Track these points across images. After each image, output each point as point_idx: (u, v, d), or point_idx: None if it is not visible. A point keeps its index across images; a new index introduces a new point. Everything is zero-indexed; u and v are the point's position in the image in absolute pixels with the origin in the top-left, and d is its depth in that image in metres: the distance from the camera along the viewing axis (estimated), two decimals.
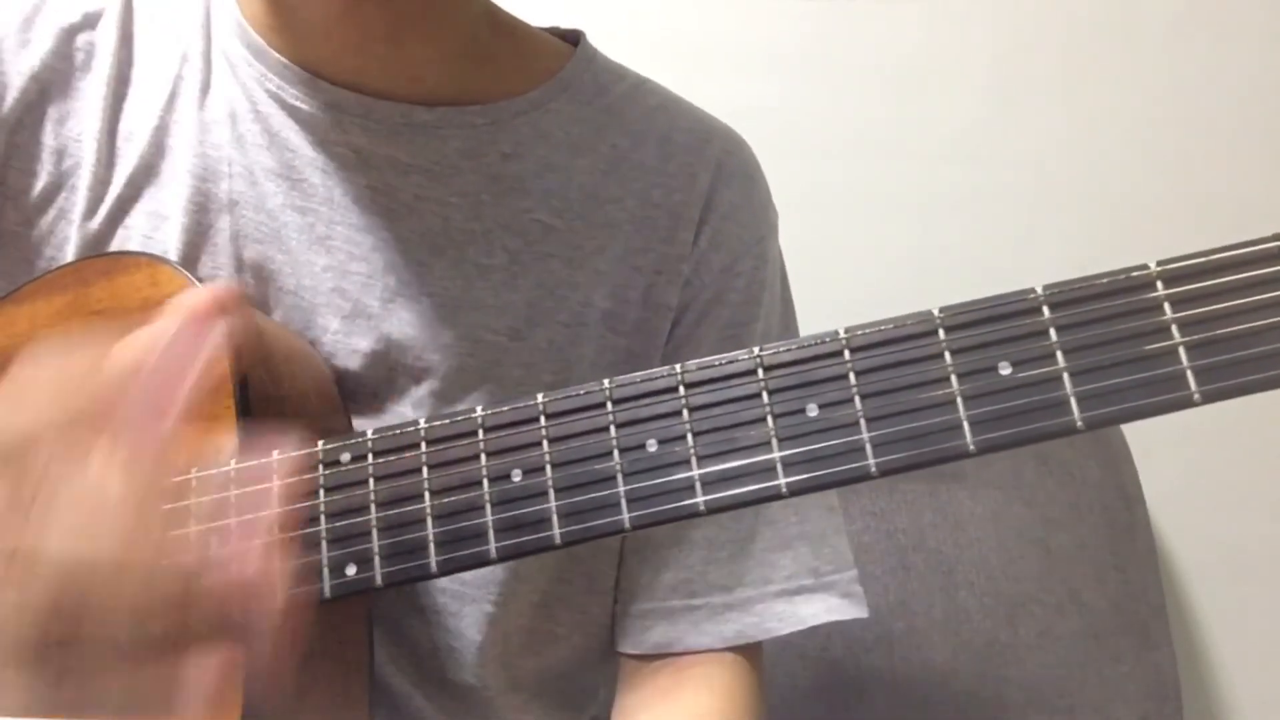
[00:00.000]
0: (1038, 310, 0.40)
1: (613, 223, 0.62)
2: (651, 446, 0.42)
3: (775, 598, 0.61)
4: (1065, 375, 0.39)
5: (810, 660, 1.00)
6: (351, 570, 0.45)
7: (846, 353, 0.41)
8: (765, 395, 0.41)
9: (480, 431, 0.44)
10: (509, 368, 0.59)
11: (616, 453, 0.42)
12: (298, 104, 0.58)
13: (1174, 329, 0.38)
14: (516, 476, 0.44)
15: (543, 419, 0.44)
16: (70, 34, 0.59)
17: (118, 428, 0.36)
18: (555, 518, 0.43)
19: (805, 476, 0.41)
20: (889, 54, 1.15)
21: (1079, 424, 0.39)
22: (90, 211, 0.58)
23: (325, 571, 0.45)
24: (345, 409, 0.58)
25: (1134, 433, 1.07)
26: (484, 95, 0.61)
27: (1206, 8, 1.14)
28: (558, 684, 0.65)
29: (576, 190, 0.62)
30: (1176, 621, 1.12)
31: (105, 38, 0.60)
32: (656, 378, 0.43)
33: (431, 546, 0.44)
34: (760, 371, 0.42)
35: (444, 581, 0.59)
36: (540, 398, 0.44)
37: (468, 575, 0.59)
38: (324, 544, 0.45)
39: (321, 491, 0.46)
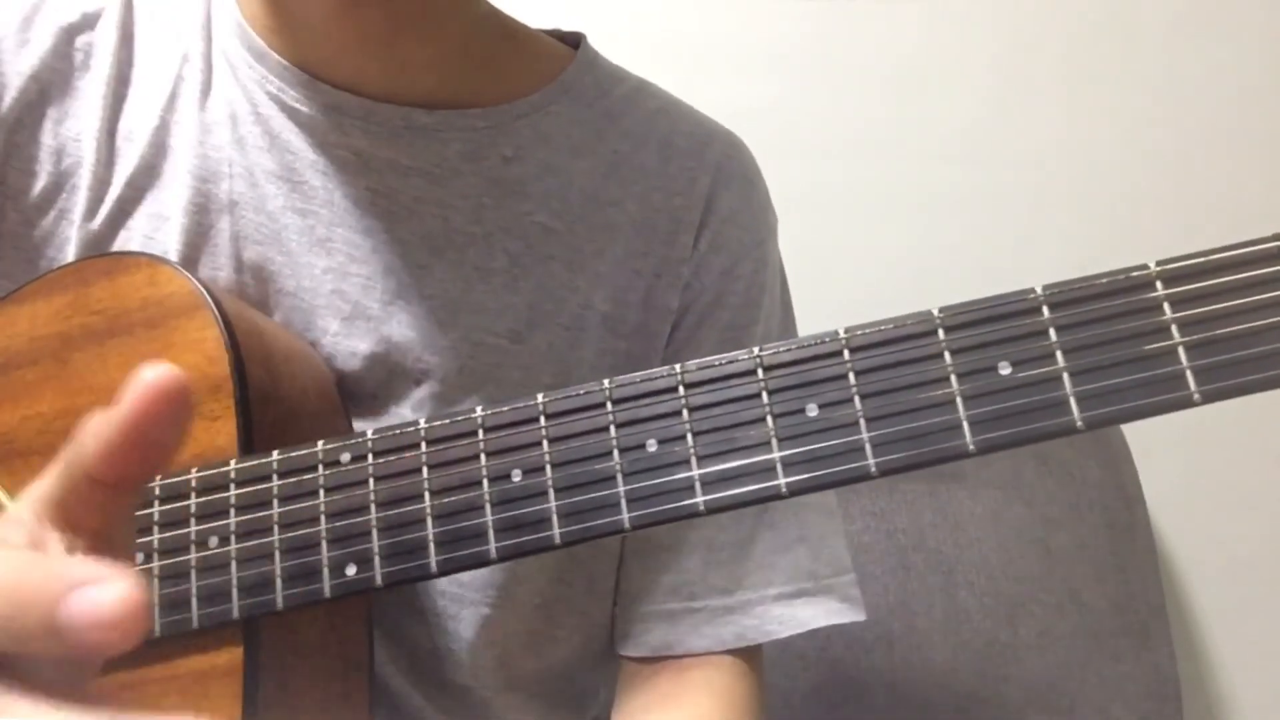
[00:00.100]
0: (1037, 310, 0.40)
1: (613, 226, 0.62)
2: (651, 446, 0.42)
3: (774, 601, 0.61)
4: (1065, 375, 0.39)
5: (810, 660, 1.00)
6: (351, 570, 0.45)
7: (846, 353, 0.41)
8: (765, 395, 0.41)
9: (480, 431, 0.44)
10: (509, 370, 0.59)
11: (616, 453, 0.42)
12: (298, 106, 0.58)
13: (1174, 329, 0.38)
14: (516, 476, 0.44)
15: (542, 419, 0.44)
16: (70, 34, 0.59)
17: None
18: (555, 518, 0.43)
19: (805, 476, 0.41)
20: (889, 54, 1.15)
21: (1079, 424, 0.39)
22: (91, 212, 0.58)
23: (325, 571, 0.45)
24: (345, 409, 0.58)
25: (1134, 433, 1.07)
26: (484, 98, 0.61)
27: (1206, 8, 1.14)
28: (557, 685, 0.65)
29: (577, 193, 0.62)
30: (1176, 621, 1.12)
31: (105, 37, 0.60)
32: (656, 378, 0.43)
33: (431, 546, 0.44)
34: (760, 371, 0.42)
35: (442, 584, 0.59)
36: (540, 398, 0.44)
37: (465, 577, 0.59)
38: (324, 544, 0.45)
39: (321, 491, 0.46)
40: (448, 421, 0.45)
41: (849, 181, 1.15)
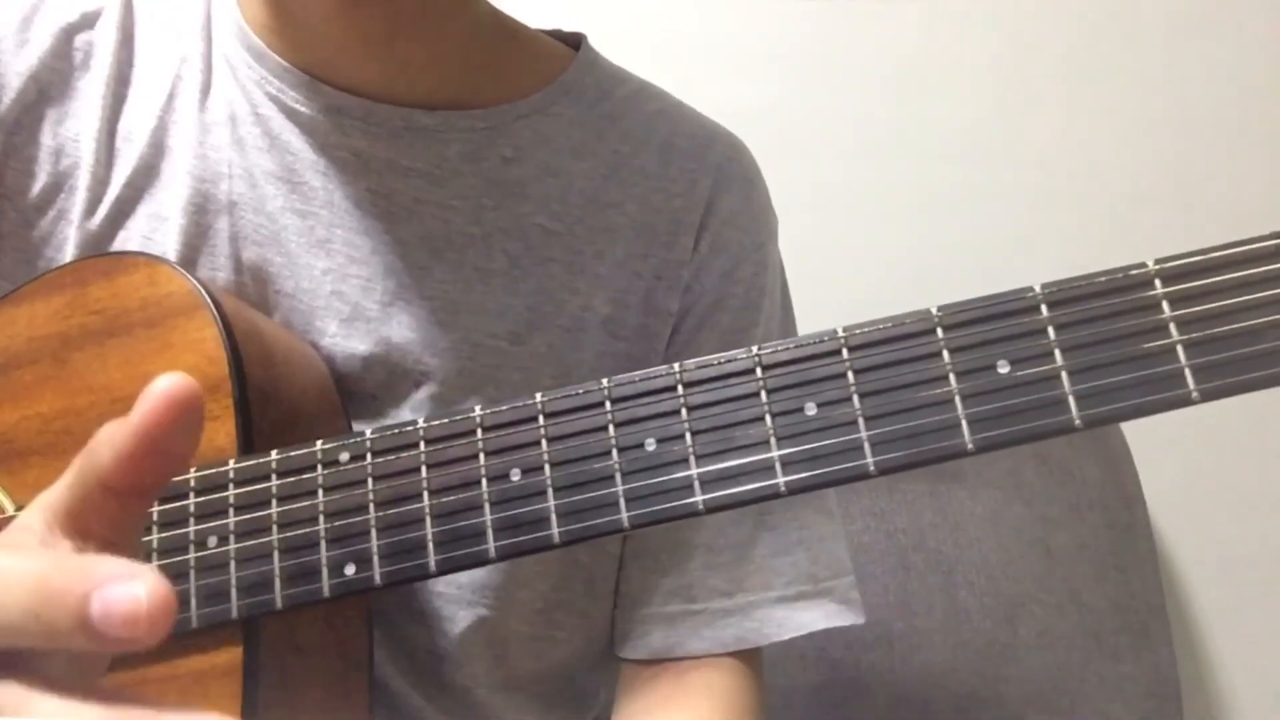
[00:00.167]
0: (1036, 309, 0.40)
1: (613, 228, 0.62)
2: (650, 445, 0.42)
3: (774, 603, 0.61)
4: (1063, 373, 0.39)
5: (810, 660, 1.00)
6: (350, 570, 0.45)
7: (845, 351, 0.41)
8: (764, 394, 0.41)
9: (479, 431, 0.44)
10: (508, 372, 0.59)
11: (615, 452, 0.42)
12: (298, 107, 0.58)
13: (1172, 327, 0.38)
14: (515, 476, 0.44)
15: (541, 418, 0.44)
16: (69, 34, 0.59)
17: None
18: (554, 517, 0.43)
19: (804, 475, 0.41)
20: (889, 54, 1.15)
21: (1077, 422, 0.39)
22: (89, 212, 0.58)
23: (324, 571, 0.45)
24: (345, 410, 0.58)
25: (1134, 433, 1.07)
26: (485, 99, 0.61)
27: (1206, 8, 1.14)
28: (557, 685, 0.65)
29: (577, 195, 0.62)
30: (1176, 621, 1.12)
31: (104, 37, 0.60)
32: (655, 377, 0.43)
33: (430, 546, 0.44)
34: (759, 370, 0.42)
35: (440, 584, 0.59)
36: (539, 397, 0.44)
37: (464, 578, 0.59)
38: (323, 543, 0.45)
39: (320, 491, 0.46)
40: (446, 421, 0.45)
41: (849, 181, 1.15)
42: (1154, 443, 1.08)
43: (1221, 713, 1.17)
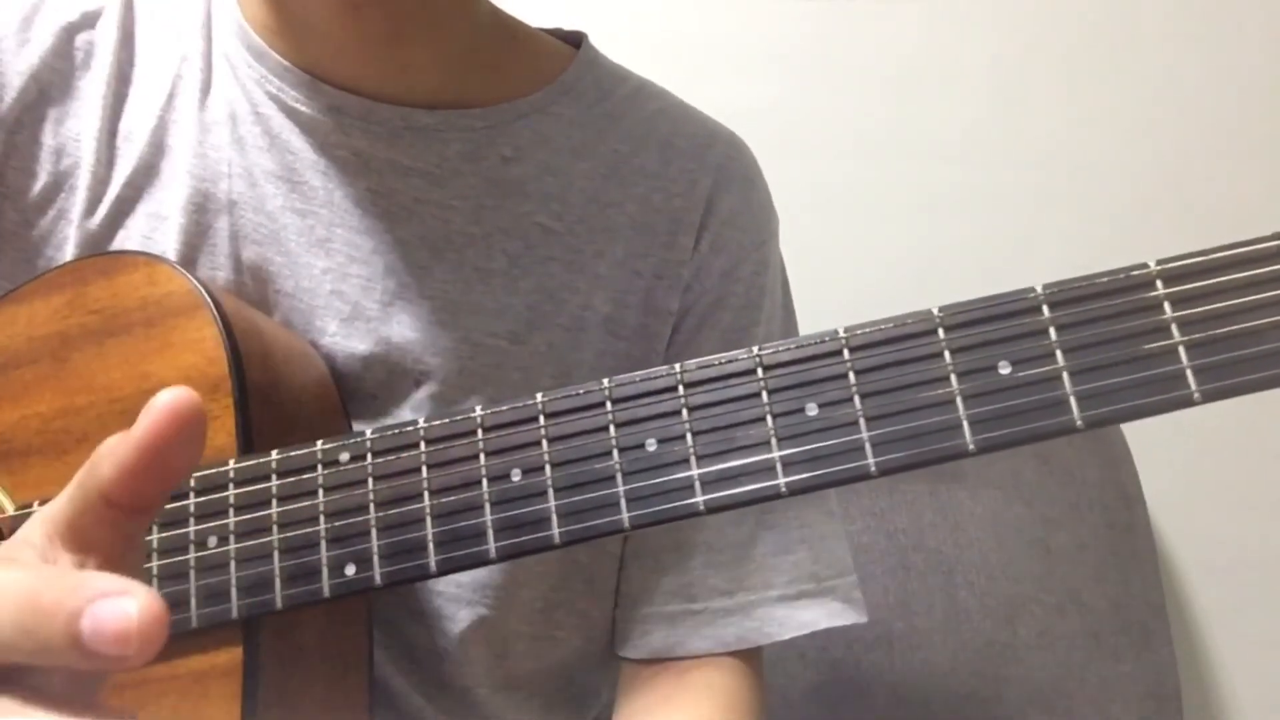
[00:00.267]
0: (1037, 309, 0.40)
1: (613, 227, 0.62)
2: (651, 446, 0.42)
3: (775, 603, 0.61)
4: (1065, 374, 0.39)
5: (810, 660, 1.00)
6: (350, 570, 0.45)
7: (846, 352, 0.41)
8: (765, 394, 0.41)
9: (479, 431, 0.44)
10: (508, 371, 0.59)
11: (616, 452, 0.42)
12: (298, 106, 0.58)
13: (1174, 328, 0.38)
14: (516, 476, 0.43)
15: (542, 418, 0.44)
16: (70, 33, 0.59)
17: None
18: (554, 517, 0.43)
19: (805, 476, 0.41)
20: (889, 54, 1.15)
21: (1078, 423, 0.38)
22: (89, 211, 0.58)
23: (324, 571, 0.45)
24: (344, 409, 0.58)
25: (1134, 433, 1.07)
26: (485, 98, 0.61)
27: (1206, 8, 1.14)
28: (557, 685, 0.65)
29: (577, 194, 0.62)
30: (1176, 621, 1.12)
31: (105, 37, 0.60)
32: (656, 377, 0.43)
33: (431, 546, 0.44)
34: (760, 371, 0.42)
35: (440, 584, 0.59)
36: (539, 397, 0.44)
37: (464, 578, 0.59)
38: (323, 543, 0.45)
39: (320, 491, 0.46)
40: (447, 421, 0.45)
41: (849, 181, 1.15)
42: (1154, 443, 1.08)
43: (1221, 713, 1.17)
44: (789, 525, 0.62)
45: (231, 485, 0.47)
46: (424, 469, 0.45)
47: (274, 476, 0.46)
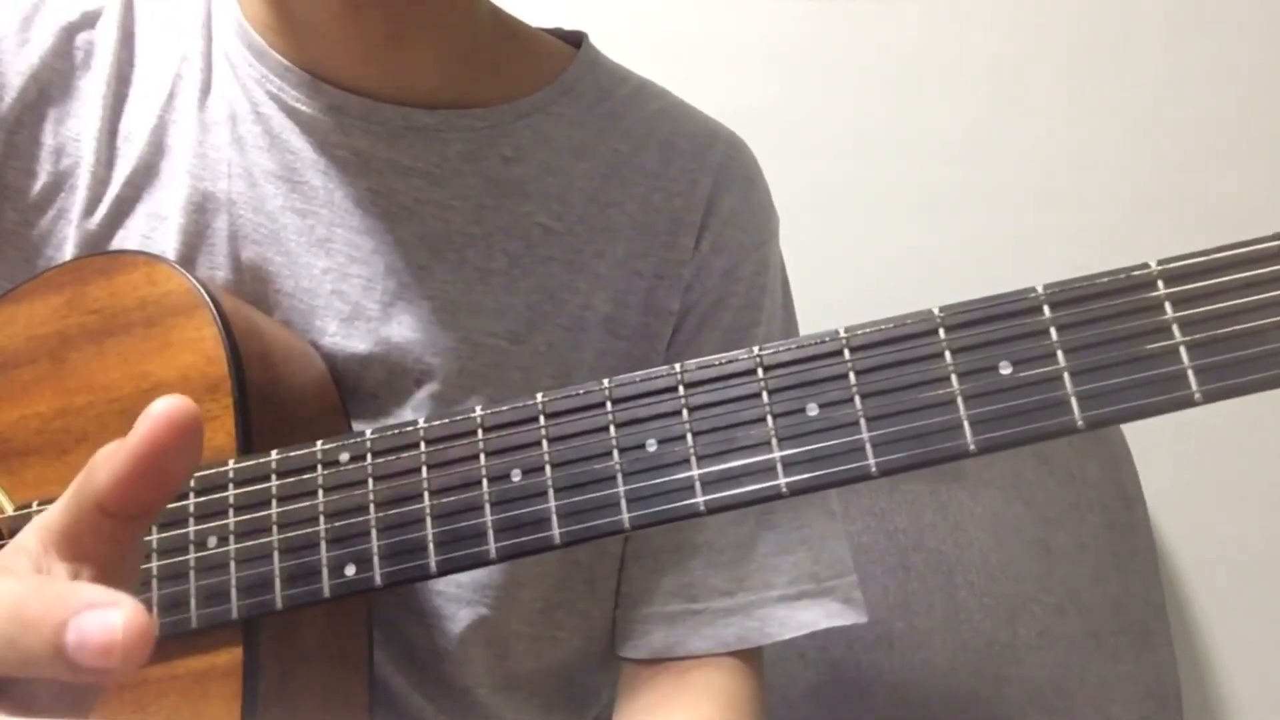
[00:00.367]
0: (1038, 309, 0.40)
1: (613, 227, 0.62)
2: (651, 446, 0.42)
3: (776, 603, 0.61)
4: (1065, 375, 0.39)
5: (810, 660, 1.00)
6: (351, 570, 0.45)
7: (846, 352, 0.41)
8: (765, 395, 0.41)
9: (479, 431, 0.44)
10: (508, 371, 0.59)
11: (616, 452, 0.42)
12: (299, 106, 0.58)
13: (1175, 328, 0.38)
14: (516, 476, 0.43)
15: (542, 419, 0.44)
16: (70, 33, 0.59)
17: None
18: (555, 518, 0.43)
19: (805, 476, 0.40)
20: (889, 54, 1.15)
21: (1079, 423, 0.38)
22: (89, 211, 0.58)
23: (324, 571, 0.45)
24: (344, 409, 0.58)
25: (1134, 433, 1.07)
26: (485, 98, 0.61)
27: (1206, 8, 1.14)
28: (557, 685, 0.65)
29: (577, 194, 0.61)
30: (1176, 621, 1.12)
31: (105, 36, 0.60)
32: (656, 377, 0.43)
33: (431, 546, 0.44)
34: (760, 371, 0.42)
35: (440, 584, 0.59)
36: (540, 397, 0.44)
37: (464, 578, 0.59)
38: (323, 544, 0.45)
39: (320, 491, 0.46)
40: (447, 421, 0.45)
41: (849, 181, 1.15)
42: (1154, 443, 1.08)
43: (1221, 713, 1.17)
44: (789, 525, 0.61)
45: (231, 485, 0.47)
46: (424, 469, 0.45)
47: (274, 477, 0.46)
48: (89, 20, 0.60)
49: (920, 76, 1.15)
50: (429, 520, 0.44)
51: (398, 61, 0.58)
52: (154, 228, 0.58)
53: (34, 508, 0.50)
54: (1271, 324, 0.38)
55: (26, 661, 0.29)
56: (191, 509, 0.47)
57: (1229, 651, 1.17)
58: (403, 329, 0.58)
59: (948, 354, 0.40)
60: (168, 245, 0.58)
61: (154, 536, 0.47)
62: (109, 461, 0.33)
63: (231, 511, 0.46)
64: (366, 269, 0.58)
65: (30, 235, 0.59)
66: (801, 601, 0.61)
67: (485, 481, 0.44)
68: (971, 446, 0.39)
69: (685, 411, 0.42)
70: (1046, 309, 0.40)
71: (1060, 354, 0.39)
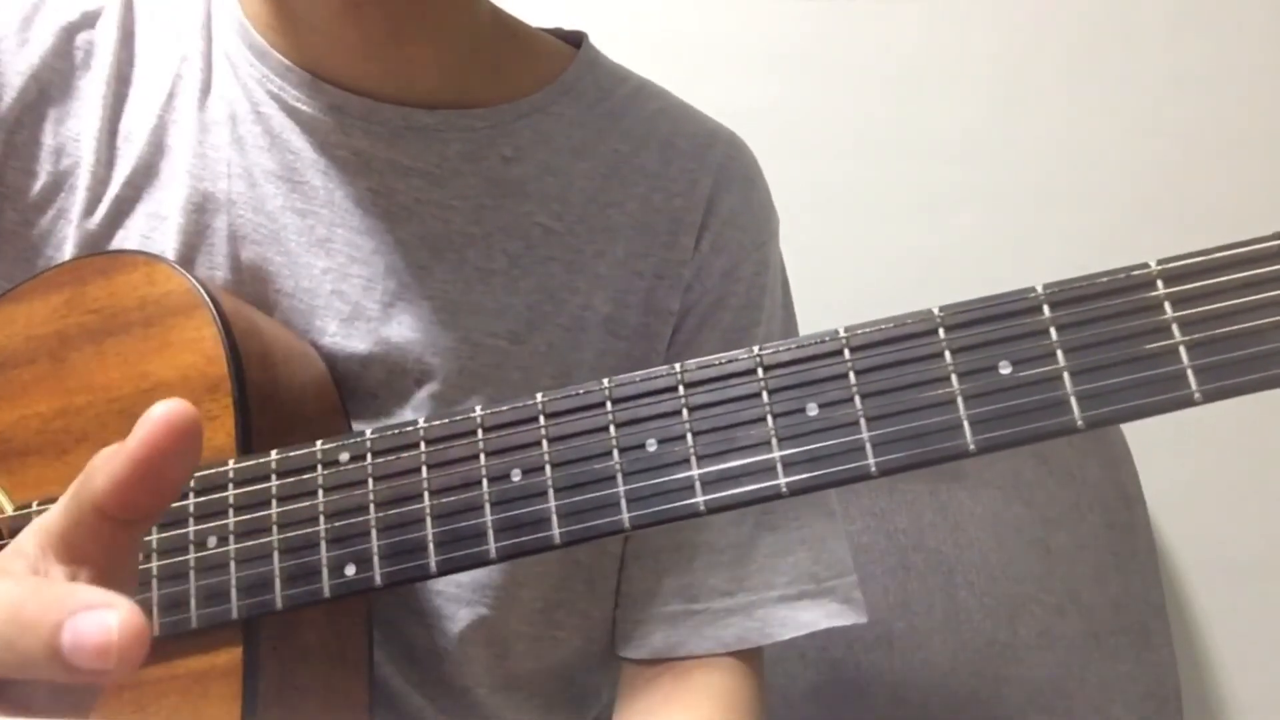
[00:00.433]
0: (1038, 309, 0.40)
1: (613, 227, 0.62)
2: (651, 446, 0.42)
3: (776, 603, 0.61)
4: (1065, 374, 0.39)
5: (810, 660, 1.00)
6: (350, 570, 0.45)
7: (846, 352, 0.41)
8: (765, 395, 0.41)
9: (479, 431, 0.44)
10: (508, 371, 0.59)
11: (616, 452, 0.42)
12: (299, 106, 0.58)
13: (1174, 328, 0.38)
14: (516, 476, 0.43)
15: (542, 418, 0.44)
16: (70, 33, 0.59)
17: None
18: (555, 517, 0.43)
19: (805, 476, 0.40)
20: (889, 54, 1.15)
21: (1079, 423, 0.38)
22: (89, 211, 0.58)
23: (324, 571, 0.45)
24: (344, 409, 0.58)
25: (1134, 433, 1.07)
26: (485, 98, 0.61)
27: (1206, 8, 1.14)
28: (557, 685, 0.65)
29: (577, 194, 0.61)
30: (1176, 621, 1.12)
31: (105, 36, 0.60)
32: (656, 377, 0.43)
33: (431, 546, 0.44)
34: (760, 371, 0.42)
35: (440, 584, 0.59)
36: (539, 397, 0.44)
37: (464, 578, 0.59)
38: (323, 544, 0.45)
39: (320, 491, 0.46)
40: (447, 421, 0.45)
41: (849, 181, 1.15)
42: (1154, 443, 1.08)
43: (1221, 713, 1.17)
44: (789, 526, 0.62)
45: (231, 485, 0.47)
46: (424, 469, 0.45)
47: (274, 477, 0.46)
48: (89, 20, 0.60)
49: (920, 76, 1.15)
50: (429, 520, 0.44)
51: (398, 61, 0.58)
52: (154, 228, 0.58)
53: (34, 508, 0.50)
54: (1271, 324, 0.38)
55: (24, 663, 0.29)
56: (191, 509, 0.47)
57: (1229, 651, 1.17)
58: (403, 329, 0.58)
59: (947, 354, 0.40)
60: (167, 245, 0.58)
61: (154, 536, 0.47)
62: (108, 465, 0.33)
63: (231, 511, 0.46)
64: (366, 269, 0.58)
65: (30, 235, 0.59)
66: (801, 602, 0.61)
67: (485, 481, 0.44)
68: (971, 446, 0.39)
69: (685, 411, 0.42)
70: (1046, 309, 0.40)
71: (1060, 354, 0.39)
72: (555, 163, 0.61)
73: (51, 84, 0.58)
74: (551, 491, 0.43)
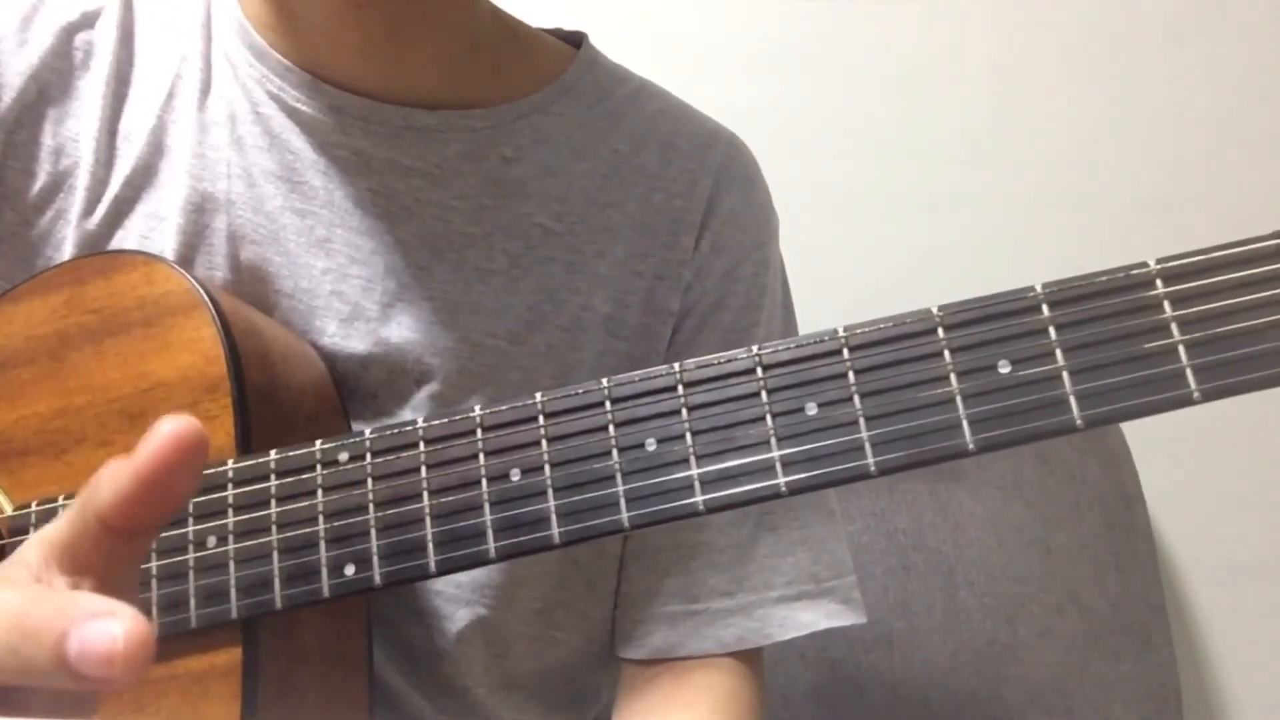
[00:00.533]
0: (1037, 308, 0.40)
1: (613, 227, 0.62)
2: (650, 445, 0.42)
3: (775, 603, 0.61)
4: (1064, 373, 0.39)
5: (810, 660, 1.00)
6: (350, 570, 0.45)
7: (845, 351, 0.41)
8: (764, 394, 0.41)
9: (479, 431, 0.44)
10: (508, 371, 0.59)
11: (615, 452, 0.42)
12: (299, 106, 0.58)
13: (1173, 327, 0.38)
14: (515, 476, 0.43)
15: (541, 418, 0.44)
16: (69, 33, 0.59)
17: None
18: (554, 517, 0.43)
19: (804, 475, 0.40)
20: (889, 54, 1.15)
21: (1078, 422, 0.38)
22: (88, 211, 0.58)
23: (324, 571, 0.45)
24: (344, 409, 0.58)
25: (1134, 433, 1.07)
26: (485, 98, 0.61)
27: (1206, 8, 1.14)
28: (557, 685, 0.65)
29: (577, 194, 0.61)
30: (1176, 621, 1.12)
31: (105, 37, 0.60)
32: (655, 377, 0.43)
33: (430, 546, 0.44)
34: (759, 370, 0.42)
35: (438, 584, 0.59)
36: (539, 397, 0.44)
37: (463, 578, 0.59)
38: (322, 544, 0.45)
39: (320, 491, 0.46)
40: (446, 421, 0.45)
41: (849, 181, 1.15)
42: (1154, 443, 1.08)
43: (1221, 713, 1.17)
44: (789, 526, 0.61)
45: (230, 485, 0.47)
46: (423, 469, 0.45)
47: (273, 476, 0.46)
48: (88, 20, 0.60)
49: (920, 76, 1.15)
50: (428, 520, 0.44)
51: (398, 61, 0.58)
52: (153, 228, 0.58)
53: (33, 508, 0.50)
54: (1269, 323, 0.37)
55: (27, 670, 0.29)
56: (190, 509, 0.47)
57: (1229, 651, 1.17)
58: (402, 329, 0.58)
59: (946, 353, 0.40)
60: (166, 245, 0.58)
61: None
62: (113, 478, 0.33)
63: (231, 511, 0.46)
64: (366, 269, 0.58)
65: (29, 235, 0.59)
66: (801, 602, 0.61)
67: (484, 481, 0.44)
68: (970, 445, 0.39)
69: (684, 411, 0.42)
70: (1045, 308, 0.40)
71: (1059, 353, 0.39)
72: (555, 163, 0.61)
73: (51, 84, 0.58)
74: (550, 491, 0.43)
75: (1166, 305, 0.39)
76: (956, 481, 1.05)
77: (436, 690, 0.61)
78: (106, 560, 0.34)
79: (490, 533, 0.43)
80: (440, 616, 0.59)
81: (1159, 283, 0.39)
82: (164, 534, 0.47)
